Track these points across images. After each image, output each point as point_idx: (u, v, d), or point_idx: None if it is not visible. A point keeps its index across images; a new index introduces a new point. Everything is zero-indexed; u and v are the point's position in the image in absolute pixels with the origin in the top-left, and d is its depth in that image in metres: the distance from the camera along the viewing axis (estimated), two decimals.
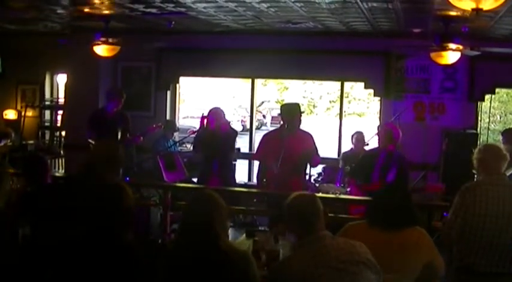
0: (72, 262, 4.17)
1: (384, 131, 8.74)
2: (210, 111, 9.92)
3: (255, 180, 12.92)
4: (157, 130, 11.25)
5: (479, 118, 12.23)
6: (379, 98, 12.83)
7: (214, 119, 9.76)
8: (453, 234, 5.47)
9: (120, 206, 4.32)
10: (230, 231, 9.00)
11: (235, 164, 10.55)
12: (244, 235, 6.84)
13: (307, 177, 9.86)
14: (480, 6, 5.96)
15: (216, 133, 9.65)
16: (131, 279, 4.19)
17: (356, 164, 9.27)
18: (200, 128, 10.05)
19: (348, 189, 9.64)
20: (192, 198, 4.64)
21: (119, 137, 10.73)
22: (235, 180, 10.50)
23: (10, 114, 14.62)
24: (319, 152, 9.23)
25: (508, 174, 6.13)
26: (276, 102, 37.78)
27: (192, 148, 10.30)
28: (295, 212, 4.39)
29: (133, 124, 11.10)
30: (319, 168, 11.17)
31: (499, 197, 5.30)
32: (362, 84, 12.66)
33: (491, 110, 13.93)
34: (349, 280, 4.16)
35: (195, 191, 5.15)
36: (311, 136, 9.13)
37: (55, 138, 14.59)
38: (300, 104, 9.63)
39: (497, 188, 5.35)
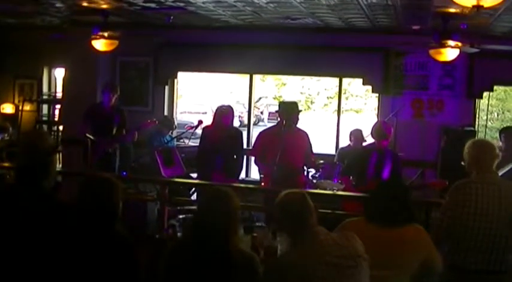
0: (64, 254, 4.16)
1: (375, 127, 8.73)
2: (226, 108, 9.84)
3: (252, 176, 12.98)
4: (151, 125, 11.19)
5: (477, 115, 12.25)
6: (377, 95, 12.84)
7: (227, 116, 9.69)
8: (443, 233, 5.46)
9: (109, 200, 4.31)
10: None
11: (242, 160, 10.41)
12: (242, 231, 6.83)
13: (304, 173, 9.87)
14: (481, 3, 5.96)
15: (222, 129, 9.60)
16: (127, 273, 4.18)
17: (349, 161, 9.26)
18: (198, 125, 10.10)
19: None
20: (210, 195, 4.62)
21: (114, 132, 10.70)
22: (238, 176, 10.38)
23: (8, 109, 14.58)
24: (315, 149, 9.27)
25: (500, 174, 6.11)
26: (274, 98, 37.80)
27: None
28: (287, 211, 4.41)
29: (131, 119, 11.07)
30: None
31: (489, 196, 5.28)
32: (360, 80, 12.67)
33: (489, 107, 13.89)
34: (346, 275, 4.18)
35: (212, 188, 5.08)
36: (307, 135, 9.17)
37: (52, 133, 14.54)
38: (298, 101, 9.63)
39: (488, 186, 5.32)
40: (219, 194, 4.47)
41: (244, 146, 11.89)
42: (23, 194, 4.65)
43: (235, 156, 9.66)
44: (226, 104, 10.06)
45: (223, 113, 9.57)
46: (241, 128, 10.98)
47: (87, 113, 10.75)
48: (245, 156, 12.49)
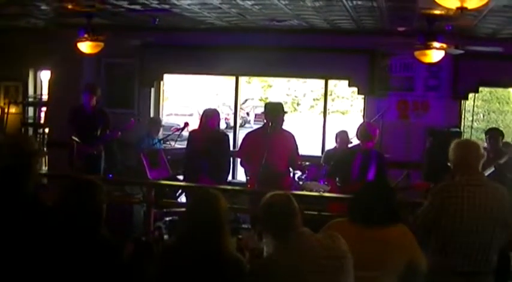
0: (49, 258, 4.14)
1: (360, 128, 8.72)
2: (212, 111, 9.78)
3: (238, 177, 12.96)
4: (134, 124, 11.09)
5: (462, 116, 12.28)
6: (363, 96, 12.86)
7: (213, 119, 9.63)
8: (424, 231, 5.45)
9: (93, 203, 4.29)
10: None
11: (229, 164, 10.32)
12: None
13: (291, 175, 9.87)
14: (465, 5, 5.97)
15: (209, 133, 9.55)
16: (112, 276, 4.17)
17: (334, 163, 9.25)
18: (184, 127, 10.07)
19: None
20: (199, 197, 4.61)
21: (98, 133, 10.64)
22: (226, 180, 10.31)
23: None
24: (301, 151, 9.27)
25: (486, 174, 6.12)
26: (260, 100, 37.81)
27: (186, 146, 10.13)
28: (271, 212, 4.40)
29: (116, 121, 11.00)
30: None
31: (475, 197, 5.25)
32: (346, 82, 12.71)
33: (475, 108, 13.96)
34: (331, 276, 4.18)
35: (200, 190, 5.03)
36: (293, 136, 9.17)
37: (38, 135, 14.50)
38: (284, 102, 9.62)
39: (473, 188, 5.31)
40: (208, 196, 4.47)
41: (231, 148, 11.90)
42: (6, 196, 4.64)
43: (221, 160, 9.62)
44: (212, 107, 10.03)
45: (209, 116, 9.54)
46: (227, 130, 10.96)
47: (71, 116, 10.71)
48: (232, 158, 12.52)
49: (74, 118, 10.65)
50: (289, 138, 9.13)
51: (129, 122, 10.94)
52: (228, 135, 10.04)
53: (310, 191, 9.28)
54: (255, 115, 33.97)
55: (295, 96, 41.90)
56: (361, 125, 8.94)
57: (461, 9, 6.05)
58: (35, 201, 4.72)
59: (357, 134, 8.72)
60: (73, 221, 4.21)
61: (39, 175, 5.22)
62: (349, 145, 10.62)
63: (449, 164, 5.59)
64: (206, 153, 9.35)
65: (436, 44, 9.66)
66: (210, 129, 9.49)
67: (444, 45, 9.72)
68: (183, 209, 7.83)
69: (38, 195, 4.88)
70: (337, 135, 11.22)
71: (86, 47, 10.62)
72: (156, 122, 12.34)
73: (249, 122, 33.57)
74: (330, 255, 4.21)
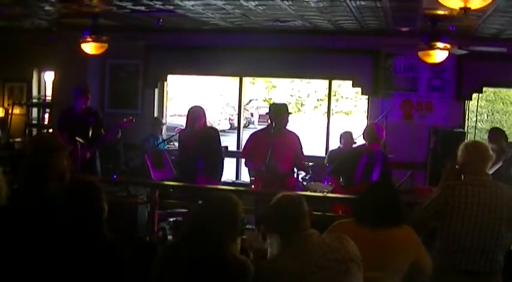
0: (51, 259, 4.15)
1: (368, 130, 8.72)
2: (198, 110, 9.64)
3: (242, 178, 12.97)
4: (128, 125, 10.91)
5: (466, 117, 12.27)
6: (366, 97, 12.87)
7: (200, 119, 9.50)
8: (422, 230, 5.46)
9: (93, 205, 4.29)
10: None
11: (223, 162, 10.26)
12: None
13: (294, 175, 9.86)
14: (468, 5, 5.98)
15: (199, 132, 9.46)
16: (113, 276, 4.17)
17: (338, 161, 9.24)
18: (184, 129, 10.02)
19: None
20: (216, 199, 4.58)
21: (90, 134, 10.52)
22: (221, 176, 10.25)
23: None
24: (305, 151, 9.26)
25: (490, 172, 6.12)
26: (264, 100, 37.79)
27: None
28: (281, 213, 4.39)
29: (118, 122, 10.90)
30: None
31: (479, 197, 5.25)
32: (350, 82, 12.72)
33: (479, 108, 13.96)
34: (337, 278, 4.17)
35: (217, 193, 5.01)
36: (298, 137, 9.13)
37: None
38: (288, 103, 9.59)
39: (479, 188, 5.31)
40: (226, 199, 4.45)
41: (235, 149, 11.89)
42: (27, 197, 4.68)
43: (215, 157, 9.54)
44: (197, 104, 9.76)
45: (196, 117, 9.34)
46: (231, 131, 10.93)
47: (60, 119, 10.64)
48: (236, 159, 12.51)
49: (64, 122, 10.55)
50: (294, 139, 9.09)
51: (123, 122, 10.71)
52: (218, 131, 9.87)
53: (314, 191, 9.26)
54: (259, 116, 33.89)
55: (299, 97, 41.82)
56: (369, 126, 8.94)
57: (465, 10, 6.05)
58: (55, 201, 4.71)
59: (364, 135, 8.72)
60: (74, 222, 4.22)
61: (64, 173, 5.11)
62: (354, 146, 10.60)
63: (457, 166, 5.59)
64: (199, 152, 9.24)
65: (439, 44, 9.66)
66: (199, 127, 9.28)
67: (448, 46, 9.71)
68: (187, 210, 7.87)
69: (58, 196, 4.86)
70: (341, 135, 11.20)
71: (90, 48, 10.62)
72: (158, 121, 12.34)
73: (253, 123, 33.57)
74: (337, 258, 4.19)
